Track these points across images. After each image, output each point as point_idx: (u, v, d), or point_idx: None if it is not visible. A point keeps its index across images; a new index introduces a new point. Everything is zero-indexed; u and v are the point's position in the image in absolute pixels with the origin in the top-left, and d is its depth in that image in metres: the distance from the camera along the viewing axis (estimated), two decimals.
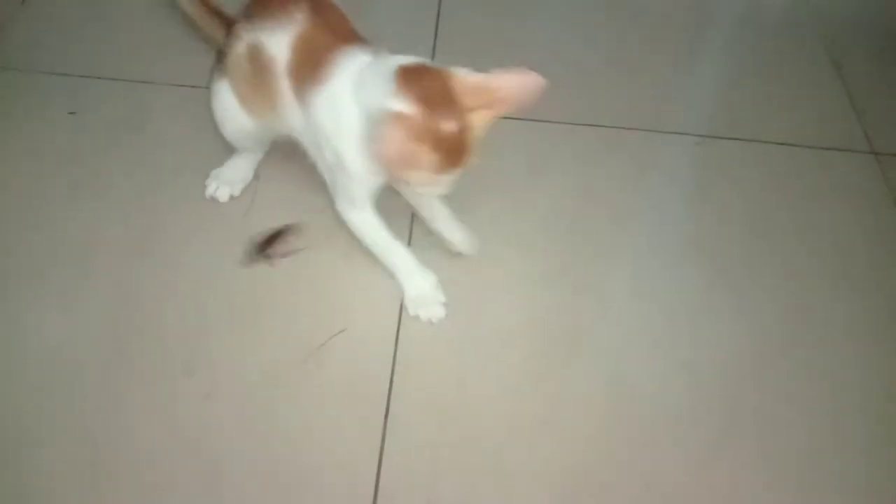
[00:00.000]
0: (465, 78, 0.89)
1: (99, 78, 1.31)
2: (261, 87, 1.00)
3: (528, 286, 1.10)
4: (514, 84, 0.88)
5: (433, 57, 1.40)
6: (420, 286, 1.05)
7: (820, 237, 1.20)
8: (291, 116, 0.99)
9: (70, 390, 0.94)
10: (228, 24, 1.08)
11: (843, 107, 1.41)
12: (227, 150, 1.18)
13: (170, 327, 1.01)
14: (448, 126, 0.87)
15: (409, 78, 0.88)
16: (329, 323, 1.03)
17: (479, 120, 0.89)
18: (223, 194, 1.15)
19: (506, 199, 1.20)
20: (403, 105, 0.87)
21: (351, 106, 0.92)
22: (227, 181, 1.15)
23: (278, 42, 0.96)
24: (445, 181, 0.93)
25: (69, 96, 1.28)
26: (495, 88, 0.88)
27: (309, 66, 0.95)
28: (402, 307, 1.05)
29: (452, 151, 0.89)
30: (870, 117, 1.39)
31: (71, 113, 1.26)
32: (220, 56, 1.06)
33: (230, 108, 1.06)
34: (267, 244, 1.08)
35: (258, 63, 0.98)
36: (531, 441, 0.95)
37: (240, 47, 1.00)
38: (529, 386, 1.00)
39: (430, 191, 0.99)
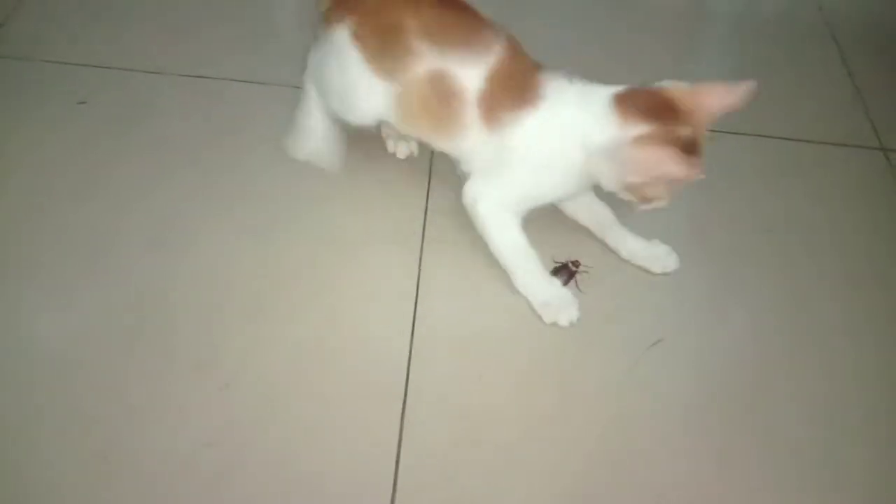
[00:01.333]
0: (674, 88, 0.96)
1: (108, 68, 1.30)
2: (438, 109, 1.01)
3: None
4: (723, 96, 0.95)
5: None
6: (549, 291, 1.05)
7: (826, 234, 1.21)
8: (466, 138, 1.01)
9: (77, 386, 0.93)
10: None
11: (852, 102, 1.42)
12: (232, 144, 1.20)
13: (184, 319, 1.01)
14: (683, 131, 0.93)
15: (627, 103, 0.95)
16: (344, 317, 1.04)
17: (702, 127, 0.95)
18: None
19: None
20: (637, 128, 0.93)
21: (564, 133, 0.97)
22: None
23: (471, 73, 0.98)
24: (680, 188, 0.98)
25: (78, 86, 1.27)
26: (712, 97, 0.95)
27: (508, 95, 0.98)
28: (416, 303, 1.06)
29: (692, 152, 0.94)
30: (878, 112, 1.39)
31: (81, 103, 1.25)
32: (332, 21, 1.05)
33: (374, 97, 1.04)
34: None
35: (441, 89, 0.99)
36: (545, 435, 0.95)
37: (419, 69, 0.99)
38: (543, 380, 1.01)
39: (659, 203, 1.01)
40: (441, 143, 1.06)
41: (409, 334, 1.02)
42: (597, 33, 1.50)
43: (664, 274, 1.11)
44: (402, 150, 1.20)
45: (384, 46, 1.01)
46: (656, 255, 1.11)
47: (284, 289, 1.06)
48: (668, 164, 0.91)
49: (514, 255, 1.05)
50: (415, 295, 1.06)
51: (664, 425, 0.98)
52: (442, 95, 1.00)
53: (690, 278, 1.13)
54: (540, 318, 1.04)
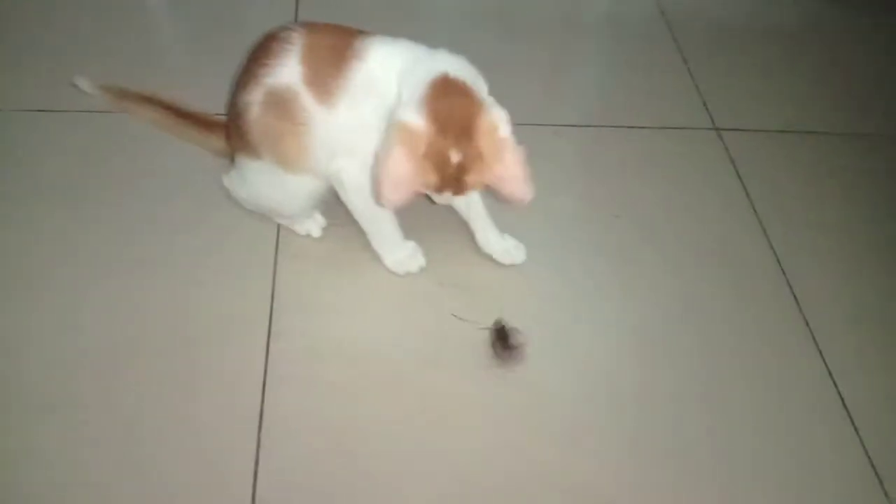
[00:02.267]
0: (493, 124, 0.90)
1: None
2: (288, 128, 0.98)
3: (398, 283, 1.12)
4: (512, 178, 0.91)
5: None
6: (399, 251, 1.11)
7: (670, 212, 1.27)
8: (318, 130, 0.98)
9: None
10: (210, 125, 1.15)
11: (687, 87, 1.50)
12: (79, 176, 1.15)
13: (36, 362, 0.98)
14: (453, 155, 0.89)
15: (442, 90, 0.90)
16: (198, 336, 1.02)
17: (479, 174, 0.91)
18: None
19: None
20: (420, 119, 0.88)
21: (390, 87, 0.93)
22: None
23: (286, 70, 0.97)
24: (442, 198, 0.96)
25: None
26: (506, 164, 0.90)
27: (329, 65, 0.96)
28: (270, 321, 1.05)
29: (451, 180, 0.91)
30: (711, 95, 1.48)
31: None
32: (239, 153, 1.06)
33: (284, 182, 1.03)
34: (504, 341, 1.05)
35: (278, 105, 0.98)
36: (414, 440, 0.96)
37: (255, 111, 0.98)
38: (404, 385, 1.01)
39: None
40: (319, 156, 1.01)
41: (265, 351, 1.02)
42: (481, 40, 1.52)
43: (512, 265, 1.15)
44: (314, 229, 1.15)
45: (240, 132, 1.02)
46: (506, 249, 1.15)
47: (136, 321, 1.03)
48: (387, 166, 0.88)
49: (371, 219, 1.08)
50: (269, 312, 1.06)
51: (545, 413, 1.01)
52: (281, 110, 0.98)
53: (544, 268, 1.17)
54: (392, 272, 1.11)
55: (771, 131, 1.44)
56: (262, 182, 1.05)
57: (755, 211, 1.29)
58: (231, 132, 1.06)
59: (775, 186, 1.33)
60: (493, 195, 0.99)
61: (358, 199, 1.04)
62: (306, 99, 0.97)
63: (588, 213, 1.26)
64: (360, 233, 1.12)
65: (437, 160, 0.89)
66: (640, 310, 1.14)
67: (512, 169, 0.91)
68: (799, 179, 1.35)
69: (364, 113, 0.96)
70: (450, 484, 0.93)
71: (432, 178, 0.91)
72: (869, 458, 1.00)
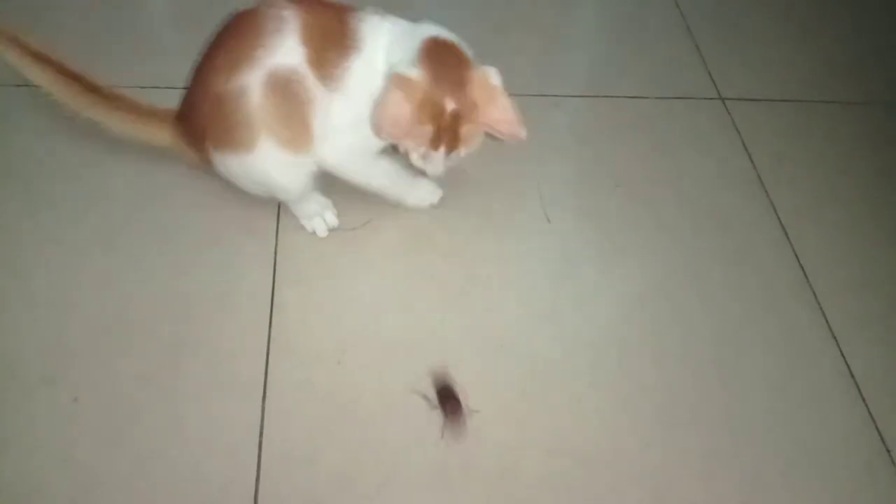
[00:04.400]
0: (485, 75, 0.95)
1: None
2: (293, 109, 0.97)
3: (399, 254, 1.12)
4: (507, 120, 0.95)
5: None
6: (416, 192, 1.13)
7: (672, 182, 1.26)
8: (319, 110, 0.97)
9: None
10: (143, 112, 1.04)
11: (691, 57, 1.48)
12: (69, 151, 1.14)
13: (27, 338, 0.98)
14: (448, 104, 0.93)
15: (433, 50, 0.94)
16: (200, 314, 1.02)
17: (475, 124, 0.95)
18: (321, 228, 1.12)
19: None
20: (414, 70, 0.92)
21: (380, 67, 0.96)
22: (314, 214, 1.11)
23: (289, 51, 0.94)
24: (435, 160, 0.98)
25: None
26: (499, 107, 0.94)
27: (330, 46, 0.96)
28: (272, 294, 1.04)
29: (447, 130, 0.94)
30: (716, 65, 1.46)
31: None
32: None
33: (283, 161, 1.00)
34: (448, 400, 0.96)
35: (284, 87, 0.95)
36: (416, 408, 0.96)
37: (254, 94, 0.94)
38: (405, 352, 1.01)
39: (422, 166, 1.00)
40: (317, 134, 0.99)
41: (267, 324, 1.01)
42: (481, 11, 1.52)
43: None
44: (320, 228, 1.11)
45: (227, 124, 0.97)
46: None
47: (136, 298, 1.03)
48: (385, 108, 0.90)
49: (373, 176, 1.08)
50: (271, 284, 1.05)
51: (534, 376, 1.00)
52: (288, 92, 0.95)
53: (545, 238, 1.16)
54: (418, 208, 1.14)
55: (777, 100, 1.42)
56: (257, 170, 1.01)
57: (761, 181, 1.27)
58: (205, 127, 0.99)
59: (781, 155, 1.32)
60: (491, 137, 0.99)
61: (351, 169, 1.06)
62: (311, 80, 0.96)
63: (589, 183, 1.24)
64: (362, 207, 1.11)
65: (432, 110, 0.93)
66: (642, 280, 1.13)
67: (507, 112, 0.95)
68: (804, 148, 1.34)
69: (359, 100, 0.96)
70: (452, 454, 0.93)
71: (428, 128, 0.93)
72: (875, 425, 1.00)
